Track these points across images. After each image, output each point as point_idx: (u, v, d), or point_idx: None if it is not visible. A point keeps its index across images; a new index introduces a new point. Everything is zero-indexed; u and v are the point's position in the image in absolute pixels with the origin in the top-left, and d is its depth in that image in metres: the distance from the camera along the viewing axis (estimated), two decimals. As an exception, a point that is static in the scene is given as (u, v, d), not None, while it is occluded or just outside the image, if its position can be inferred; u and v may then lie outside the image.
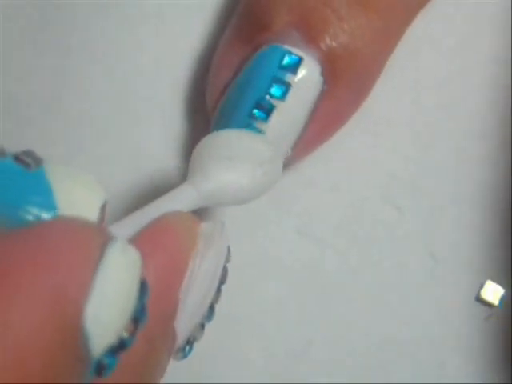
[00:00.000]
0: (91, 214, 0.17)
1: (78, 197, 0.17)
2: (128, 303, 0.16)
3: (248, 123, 0.22)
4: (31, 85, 0.26)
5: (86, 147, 0.26)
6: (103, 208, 0.17)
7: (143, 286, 0.16)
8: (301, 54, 0.22)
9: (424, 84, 0.26)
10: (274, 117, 0.22)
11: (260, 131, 0.22)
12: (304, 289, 0.25)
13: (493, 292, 0.25)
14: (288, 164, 0.24)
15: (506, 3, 0.26)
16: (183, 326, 0.19)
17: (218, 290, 0.20)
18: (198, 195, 0.20)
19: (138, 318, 0.16)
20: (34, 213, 0.16)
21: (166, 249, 0.18)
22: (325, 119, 0.23)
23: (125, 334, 0.16)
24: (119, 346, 0.16)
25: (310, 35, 0.22)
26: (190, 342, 0.20)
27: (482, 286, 0.25)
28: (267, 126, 0.22)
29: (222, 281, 0.20)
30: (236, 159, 0.21)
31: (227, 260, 0.20)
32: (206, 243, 0.19)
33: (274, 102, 0.22)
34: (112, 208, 0.25)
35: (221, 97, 0.24)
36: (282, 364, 0.25)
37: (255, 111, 0.22)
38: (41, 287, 0.14)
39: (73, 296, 0.15)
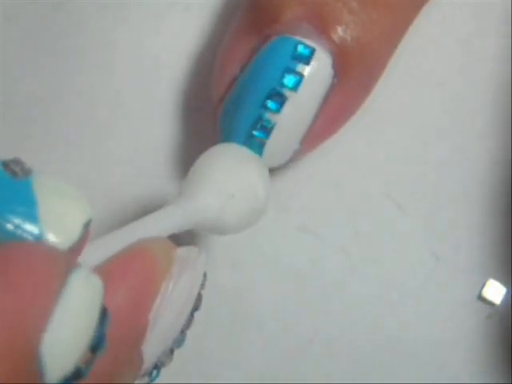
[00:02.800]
0: (73, 230, 0.17)
1: (61, 212, 0.17)
2: (87, 333, 0.15)
3: (260, 114, 0.22)
4: (31, 85, 0.26)
5: (86, 147, 0.26)
6: (86, 225, 0.17)
7: (104, 315, 0.16)
8: (313, 45, 0.22)
9: (425, 83, 0.26)
10: (287, 108, 0.22)
11: (271, 123, 0.22)
12: (304, 287, 0.25)
13: (494, 291, 0.25)
14: (294, 158, 0.24)
15: (506, 3, 0.26)
16: (151, 350, 0.19)
17: (191, 316, 0.20)
18: (183, 217, 0.20)
19: (96, 347, 0.16)
20: (14, 222, 0.16)
21: (138, 271, 0.18)
22: (334, 112, 0.23)
23: (81, 364, 0.15)
24: (75, 376, 0.15)
25: (322, 27, 0.22)
26: (157, 366, 0.19)
27: (483, 285, 0.25)
28: (279, 118, 0.22)
29: (196, 307, 0.20)
30: (231, 192, 0.21)
31: (202, 287, 0.20)
32: (180, 268, 0.19)
33: (286, 92, 0.22)
34: (112, 208, 0.25)
35: (228, 89, 0.23)
36: (282, 364, 0.25)
37: (268, 102, 0.22)
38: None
39: (31, 323, 0.14)
